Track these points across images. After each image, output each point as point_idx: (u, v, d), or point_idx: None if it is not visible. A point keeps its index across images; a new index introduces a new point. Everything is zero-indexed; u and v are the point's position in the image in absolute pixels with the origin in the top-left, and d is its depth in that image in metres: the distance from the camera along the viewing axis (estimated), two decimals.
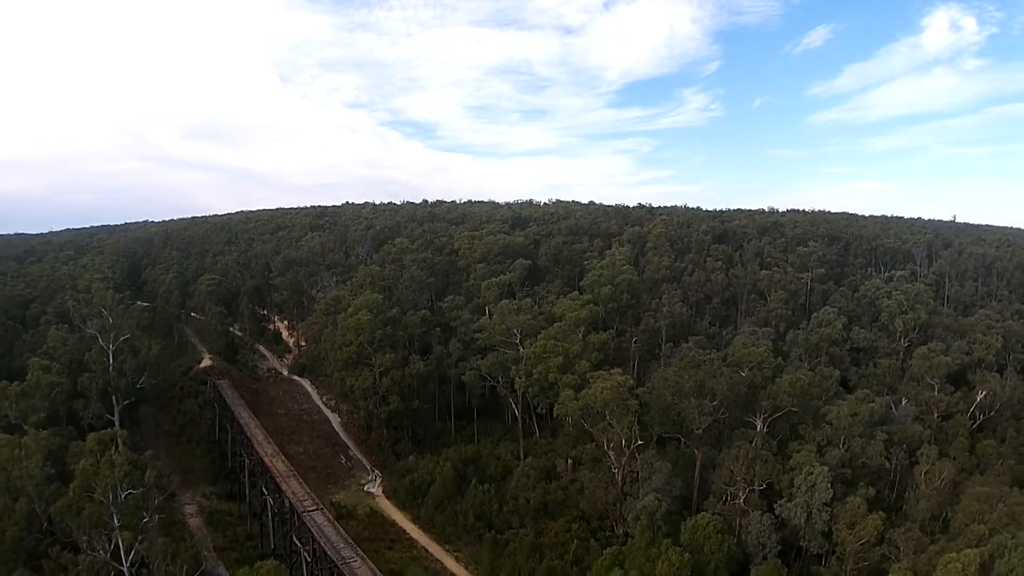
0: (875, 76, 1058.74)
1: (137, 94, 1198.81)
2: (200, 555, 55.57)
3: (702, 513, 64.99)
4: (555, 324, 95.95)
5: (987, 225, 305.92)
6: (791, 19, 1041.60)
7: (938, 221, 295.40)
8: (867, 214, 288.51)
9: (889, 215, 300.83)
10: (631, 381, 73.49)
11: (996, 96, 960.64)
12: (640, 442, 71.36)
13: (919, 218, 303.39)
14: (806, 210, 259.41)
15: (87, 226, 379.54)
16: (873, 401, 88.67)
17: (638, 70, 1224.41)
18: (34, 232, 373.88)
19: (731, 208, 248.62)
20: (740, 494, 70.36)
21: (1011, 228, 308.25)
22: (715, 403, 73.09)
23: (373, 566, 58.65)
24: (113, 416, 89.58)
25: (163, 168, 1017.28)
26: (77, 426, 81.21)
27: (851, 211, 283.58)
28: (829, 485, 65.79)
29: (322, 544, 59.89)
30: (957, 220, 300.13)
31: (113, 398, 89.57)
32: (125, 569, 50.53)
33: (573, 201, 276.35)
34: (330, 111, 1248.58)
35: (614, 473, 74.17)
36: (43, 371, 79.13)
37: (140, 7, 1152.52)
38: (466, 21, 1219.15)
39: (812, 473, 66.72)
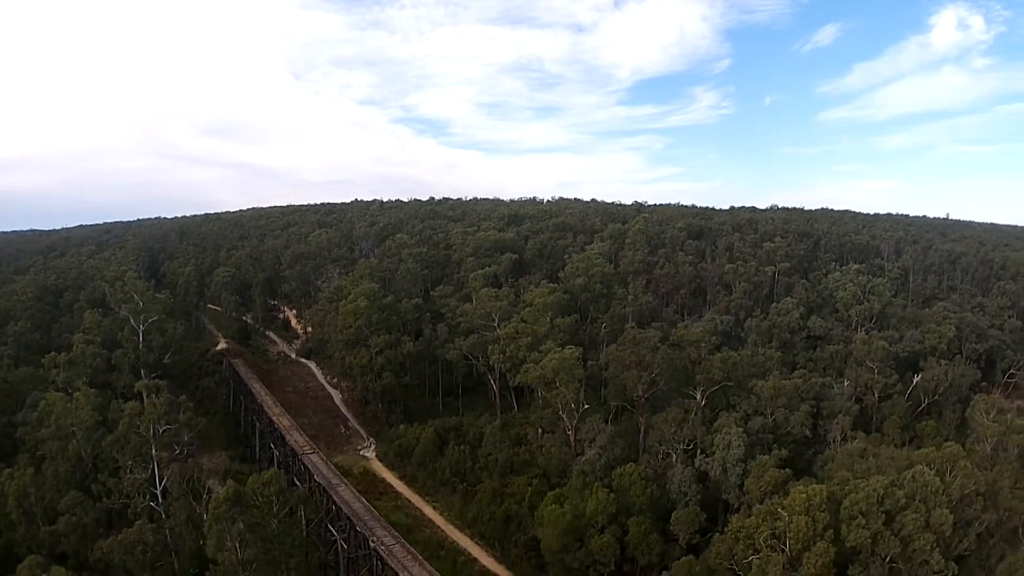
0: (884, 74, 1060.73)
1: (152, 92, 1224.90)
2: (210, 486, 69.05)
3: (629, 463, 77.08)
4: (526, 309, 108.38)
5: (991, 223, 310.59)
6: (800, 17, 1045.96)
7: (930, 219, 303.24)
8: (871, 212, 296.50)
9: (895, 213, 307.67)
10: (577, 354, 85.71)
11: (1005, 95, 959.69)
12: (587, 406, 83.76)
13: (924, 216, 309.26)
14: (797, 208, 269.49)
15: (100, 222, 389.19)
16: (808, 380, 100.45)
17: (649, 68, 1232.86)
18: (47, 228, 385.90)
19: (736, 206, 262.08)
20: (673, 453, 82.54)
21: (1014, 227, 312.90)
22: (653, 375, 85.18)
23: (355, 490, 71.92)
24: None
25: (177, 165, 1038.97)
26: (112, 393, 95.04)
27: (854, 209, 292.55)
28: (742, 444, 77.56)
29: (317, 479, 73.25)
30: (950, 218, 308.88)
31: (142, 372, 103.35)
32: (158, 491, 64.22)
33: (575, 199, 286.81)
34: (342, 108, 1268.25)
35: (568, 435, 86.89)
36: (85, 344, 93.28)
37: (155, 6, 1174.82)
38: (477, 19, 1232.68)
39: (729, 434, 78.65)
